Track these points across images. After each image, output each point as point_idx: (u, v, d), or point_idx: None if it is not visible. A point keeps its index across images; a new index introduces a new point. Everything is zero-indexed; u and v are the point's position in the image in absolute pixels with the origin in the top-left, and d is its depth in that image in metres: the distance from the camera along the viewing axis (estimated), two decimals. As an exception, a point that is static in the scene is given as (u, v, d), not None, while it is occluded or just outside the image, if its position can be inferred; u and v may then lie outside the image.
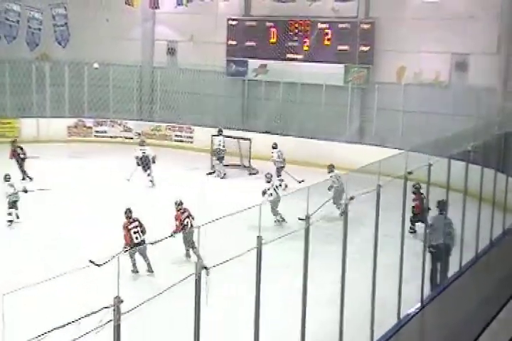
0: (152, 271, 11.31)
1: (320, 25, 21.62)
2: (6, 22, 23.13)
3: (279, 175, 17.81)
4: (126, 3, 23.05)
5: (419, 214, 13.15)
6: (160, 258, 11.24)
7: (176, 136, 23.68)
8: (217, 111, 22.85)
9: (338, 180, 14.44)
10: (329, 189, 14.59)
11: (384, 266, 8.66)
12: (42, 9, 23.68)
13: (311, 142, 20.81)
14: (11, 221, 13.84)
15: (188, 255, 11.92)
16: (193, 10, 22.75)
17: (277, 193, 14.54)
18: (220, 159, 19.32)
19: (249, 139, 20.03)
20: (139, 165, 17.82)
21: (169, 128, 23.75)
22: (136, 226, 11.11)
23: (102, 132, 24.05)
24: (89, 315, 4.38)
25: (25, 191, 14.08)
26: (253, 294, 6.41)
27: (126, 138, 23.74)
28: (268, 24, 22.54)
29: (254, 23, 22.89)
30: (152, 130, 23.87)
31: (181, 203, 11.98)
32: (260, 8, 22.95)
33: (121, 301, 4.62)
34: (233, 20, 23.10)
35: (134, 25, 24.77)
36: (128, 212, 11.28)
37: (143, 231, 11.15)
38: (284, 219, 14.23)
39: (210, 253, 6.71)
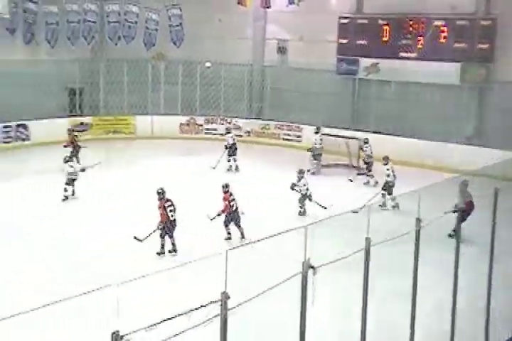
0: (176, 251, 11.86)
1: (436, 23, 20.93)
2: (125, 23, 24.19)
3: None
4: (238, 3, 23.34)
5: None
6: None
7: (285, 134, 23.73)
8: (327, 110, 22.65)
9: (392, 173, 15.22)
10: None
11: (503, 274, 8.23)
12: (158, 10, 24.45)
13: (423, 143, 20.21)
14: (66, 197, 15.24)
15: (228, 234, 12.75)
16: (304, 8, 22.70)
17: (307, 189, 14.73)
18: (316, 157, 19.29)
19: (357, 139, 19.73)
20: (228, 150, 19.05)
21: (278, 127, 23.82)
22: (170, 205, 11.65)
23: (212, 129, 24.45)
24: (198, 308, 4.43)
25: (83, 170, 15.49)
26: (356, 296, 6.28)
27: (236, 135, 23.98)
28: (381, 22, 22.09)
29: (366, 21, 22.50)
30: (261, 128, 24.06)
31: (228, 186, 12.73)
32: (372, 6, 22.54)
33: (228, 297, 4.64)
34: (345, 18, 22.82)
35: (245, 25, 25.00)
36: (161, 192, 11.74)
37: (175, 210, 11.71)
38: (304, 212, 14.75)
39: (316, 253, 6.63)
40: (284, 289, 5.32)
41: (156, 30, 24.50)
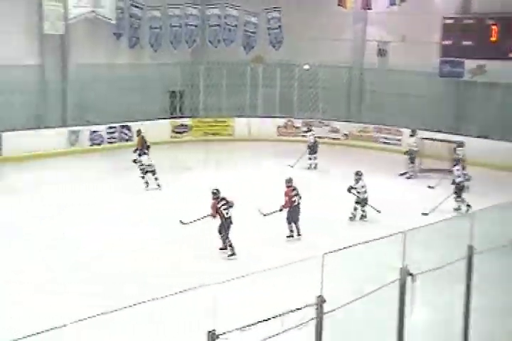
0: (235, 254, 11.66)
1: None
2: (225, 26, 24.45)
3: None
4: (338, 5, 23.09)
5: None
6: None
7: (383, 138, 23.26)
8: (427, 114, 22.00)
9: (464, 175, 14.82)
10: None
11: None
12: (258, 13, 24.57)
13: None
14: (147, 183, 16.41)
15: (291, 232, 12.56)
16: (405, 9, 22.14)
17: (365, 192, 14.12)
18: (412, 159, 18.88)
19: (460, 143, 18.98)
20: (308, 149, 19.39)
21: (376, 130, 23.37)
22: (224, 204, 11.61)
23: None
24: (293, 311, 4.37)
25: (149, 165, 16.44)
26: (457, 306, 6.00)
27: (333, 138, 23.78)
28: (489, 21, 21.20)
29: (472, 21, 21.67)
30: (359, 131, 23.68)
31: (291, 180, 12.49)
32: (480, 5, 21.67)
33: (324, 301, 4.55)
34: (449, 18, 22.07)
35: (345, 27, 24.68)
36: (216, 192, 11.73)
37: (231, 207, 11.65)
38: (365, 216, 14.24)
39: (415, 259, 6.37)
40: (382, 295, 5.17)
41: (255, 33, 24.67)
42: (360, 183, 14.00)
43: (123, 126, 22.33)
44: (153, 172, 16.43)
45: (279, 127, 24.49)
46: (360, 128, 23.66)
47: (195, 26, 24.30)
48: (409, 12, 22.29)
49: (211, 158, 20.47)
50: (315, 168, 19.55)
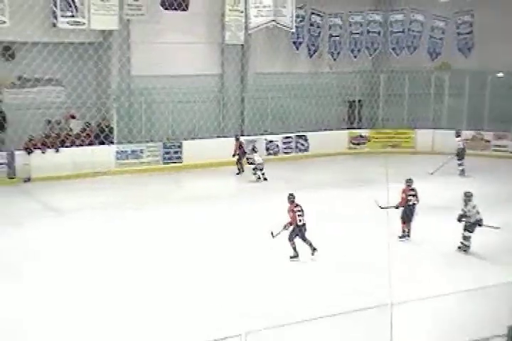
0: (316, 249, 11.59)
1: None
2: (410, 33, 23.34)
3: None
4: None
5: None
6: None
7: None
8: None
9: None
10: None
11: None
12: (447, 18, 22.98)
13: None
14: (259, 177, 18.25)
15: (403, 232, 12.57)
16: None
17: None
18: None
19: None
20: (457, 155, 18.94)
21: None
22: (300, 210, 11.46)
23: (502, 146, 22.17)
24: None
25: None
26: None
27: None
28: None
29: None
30: None
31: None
32: None
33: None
34: None
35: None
36: (291, 197, 11.55)
37: (303, 215, 11.48)
38: None
39: None
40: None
41: (442, 38, 23.26)
42: (470, 204, 12.08)
43: (299, 136, 21.98)
44: (262, 169, 18.32)
45: (466, 140, 22.42)
46: None
47: (378, 33, 23.48)
48: None
49: (391, 171, 19.08)
50: (463, 174, 18.91)
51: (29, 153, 17.77)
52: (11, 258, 11.37)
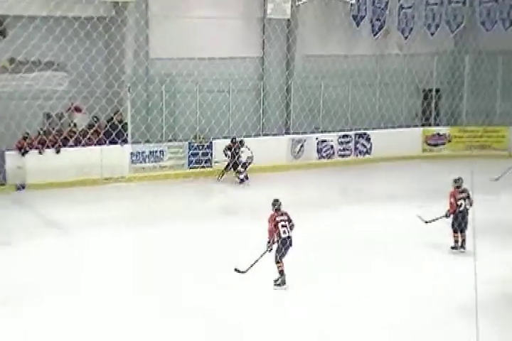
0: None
1: None
2: (505, 2, 21.02)
3: None
4: None
5: None
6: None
7: None
8: None
9: None
10: None
11: None
12: None
13: None
14: (242, 180, 17.24)
15: (455, 243, 12.05)
16: None
17: None
18: None
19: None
20: None
21: None
22: (285, 220, 10.85)
23: None
24: None
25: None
26: None
27: None
28: None
29: None
30: None
31: (459, 180, 11.92)
32: None
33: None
34: None
35: None
36: (276, 202, 10.91)
37: (291, 227, 10.87)
38: None
39: None
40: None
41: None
42: None
43: (359, 135, 20.24)
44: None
45: None
46: None
47: (462, 3, 21.15)
48: None
49: (478, 180, 16.59)
50: None
51: (23, 154, 16.62)
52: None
